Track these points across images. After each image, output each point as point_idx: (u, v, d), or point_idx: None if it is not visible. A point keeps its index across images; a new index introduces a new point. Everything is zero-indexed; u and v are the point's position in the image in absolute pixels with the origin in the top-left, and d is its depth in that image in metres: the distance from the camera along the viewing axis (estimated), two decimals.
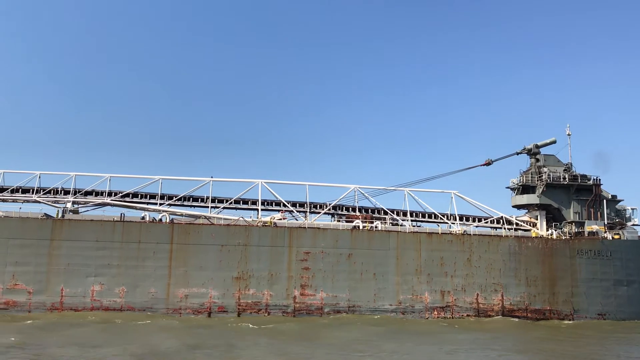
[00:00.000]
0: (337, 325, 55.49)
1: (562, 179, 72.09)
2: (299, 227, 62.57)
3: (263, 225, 62.56)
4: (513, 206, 75.22)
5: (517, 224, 71.40)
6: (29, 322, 50.36)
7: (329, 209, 69.13)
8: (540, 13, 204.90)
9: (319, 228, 62.96)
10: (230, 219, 63.60)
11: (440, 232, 65.87)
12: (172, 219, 62.74)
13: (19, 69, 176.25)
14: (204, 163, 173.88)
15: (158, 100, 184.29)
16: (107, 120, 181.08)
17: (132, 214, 63.93)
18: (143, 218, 60.96)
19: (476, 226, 70.47)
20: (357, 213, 69.09)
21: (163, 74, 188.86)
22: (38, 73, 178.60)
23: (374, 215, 69.16)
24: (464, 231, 67.37)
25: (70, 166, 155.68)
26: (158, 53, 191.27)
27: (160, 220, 61.67)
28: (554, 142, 76.49)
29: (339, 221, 67.59)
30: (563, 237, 67.63)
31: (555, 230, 69.37)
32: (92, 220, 59.16)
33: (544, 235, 68.57)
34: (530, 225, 72.05)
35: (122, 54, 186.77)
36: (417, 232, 65.18)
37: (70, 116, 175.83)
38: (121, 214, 61.27)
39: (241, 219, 63.38)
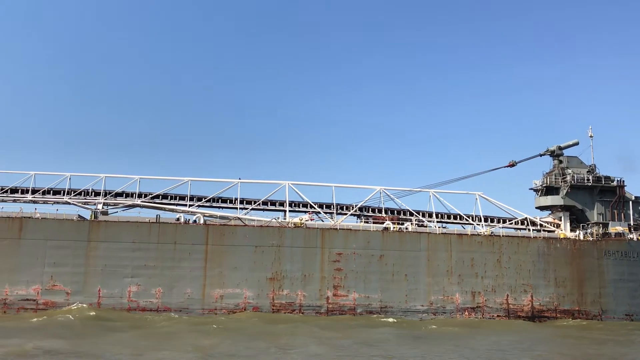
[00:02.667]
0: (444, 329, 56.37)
1: (586, 181, 72.78)
2: (331, 229, 63.02)
3: (295, 227, 62.97)
4: (537, 207, 75.85)
5: (541, 225, 71.99)
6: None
7: (355, 210, 69.64)
8: (572, 6, 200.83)
9: (350, 229, 63.42)
10: (262, 220, 63.97)
11: (469, 234, 66.40)
12: (205, 220, 63.13)
13: (45, 73, 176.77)
14: (228, 164, 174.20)
15: (173, 102, 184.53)
16: (132, 122, 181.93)
17: (163, 216, 64.27)
18: (178, 219, 61.39)
19: (501, 227, 71.02)
20: (383, 214, 69.59)
21: (182, 76, 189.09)
22: (64, 76, 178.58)
23: (400, 217, 69.65)
24: (491, 232, 67.96)
25: (96, 168, 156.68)
26: (175, 54, 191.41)
27: (195, 221, 62.06)
28: (577, 143, 77.22)
29: (366, 222, 68.03)
30: (590, 239, 68.25)
31: (582, 232, 69.99)
32: (128, 221, 59.52)
33: (571, 237, 69.17)
34: (554, 227, 72.63)
35: (141, 57, 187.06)
36: (447, 233, 65.71)
37: (97, 119, 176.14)
38: (157, 216, 61.76)
39: (274, 220, 63.76)
